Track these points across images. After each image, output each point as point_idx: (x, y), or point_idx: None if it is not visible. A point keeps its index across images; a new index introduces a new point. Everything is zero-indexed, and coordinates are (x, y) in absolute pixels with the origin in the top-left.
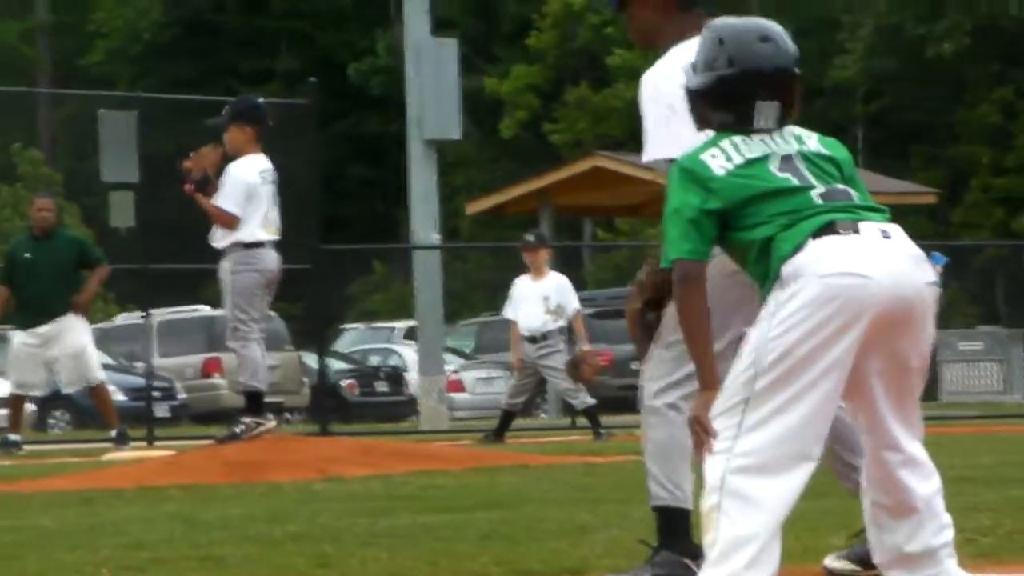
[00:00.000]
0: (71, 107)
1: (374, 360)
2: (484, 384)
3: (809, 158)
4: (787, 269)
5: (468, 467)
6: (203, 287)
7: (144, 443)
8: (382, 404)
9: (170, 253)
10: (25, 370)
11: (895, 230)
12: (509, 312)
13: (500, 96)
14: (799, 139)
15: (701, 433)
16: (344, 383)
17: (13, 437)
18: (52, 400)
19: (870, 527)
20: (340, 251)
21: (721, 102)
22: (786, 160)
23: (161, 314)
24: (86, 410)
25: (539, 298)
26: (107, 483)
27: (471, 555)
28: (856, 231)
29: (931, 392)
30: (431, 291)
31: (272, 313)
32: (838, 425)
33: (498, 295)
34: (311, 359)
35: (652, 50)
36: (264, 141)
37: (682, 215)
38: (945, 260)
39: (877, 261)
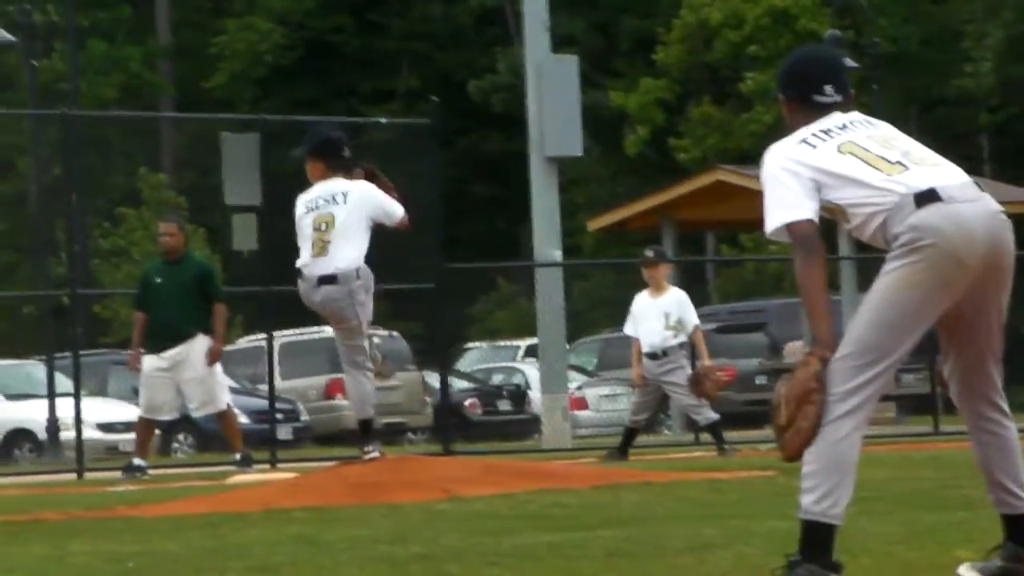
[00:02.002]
0: (194, 130)
1: (497, 379)
2: (608, 401)
3: None
4: None
5: (591, 485)
6: None
7: (268, 465)
8: (505, 423)
9: (293, 274)
10: (155, 394)
11: None
12: (629, 329)
13: (626, 110)
14: None
15: None
16: (466, 402)
17: (138, 462)
18: (176, 424)
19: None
20: (462, 270)
21: None
22: None
23: (283, 336)
24: (210, 433)
25: (659, 314)
26: (232, 506)
27: (595, 573)
28: None
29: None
30: (553, 308)
31: (394, 333)
32: (997, 452)
33: (621, 312)
34: (434, 379)
35: None
36: (345, 169)
37: None
38: None
39: None
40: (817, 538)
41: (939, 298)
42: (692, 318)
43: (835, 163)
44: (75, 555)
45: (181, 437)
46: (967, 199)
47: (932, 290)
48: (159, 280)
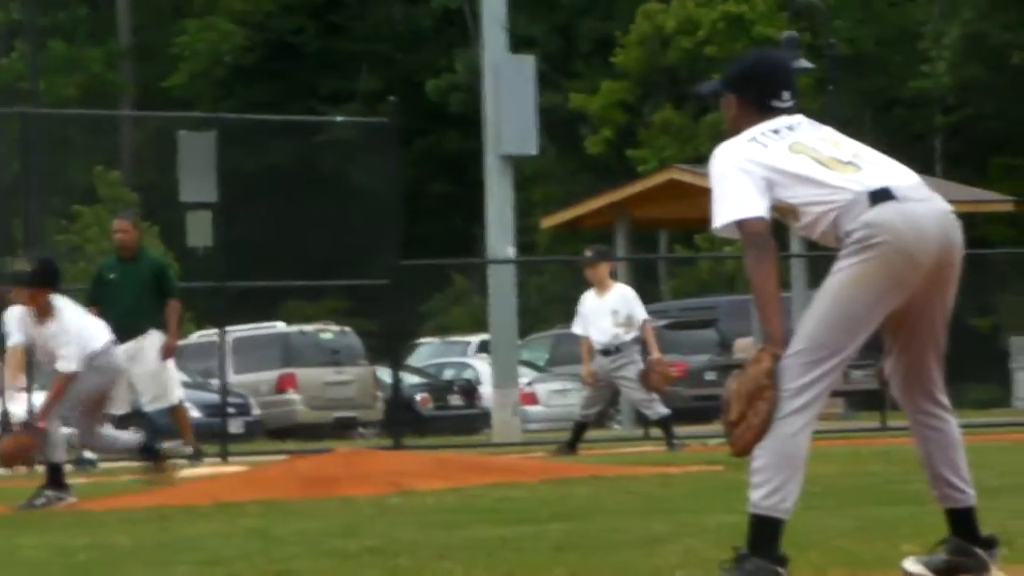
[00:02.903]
0: (153, 129)
1: (448, 374)
2: (558, 396)
3: None
4: None
5: (541, 479)
6: (280, 304)
7: (219, 459)
8: (456, 417)
9: (247, 271)
10: None
11: None
12: (579, 328)
13: (587, 112)
14: None
15: None
16: (418, 397)
17: (89, 455)
18: (127, 418)
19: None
20: (416, 267)
21: None
22: None
23: (236, 331)
24: (161, 428)
25: (607, 312)
26: (183, 500)
27: (545, 566)
28: None
29: (1005, 399)
30: (505, 305)
31: (346, 328)
32: (938, 447)
33: (573, 308)
34: (385, 374)
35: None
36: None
37: None
38: None
39: None
40: (765, 532)
41: (890, 295)
42: (640, 313)
43: (788, 162)
44: (25, 548)
45: (132, 431)
46: (920, 198)
47: (884, 287)
48: (113, 276)
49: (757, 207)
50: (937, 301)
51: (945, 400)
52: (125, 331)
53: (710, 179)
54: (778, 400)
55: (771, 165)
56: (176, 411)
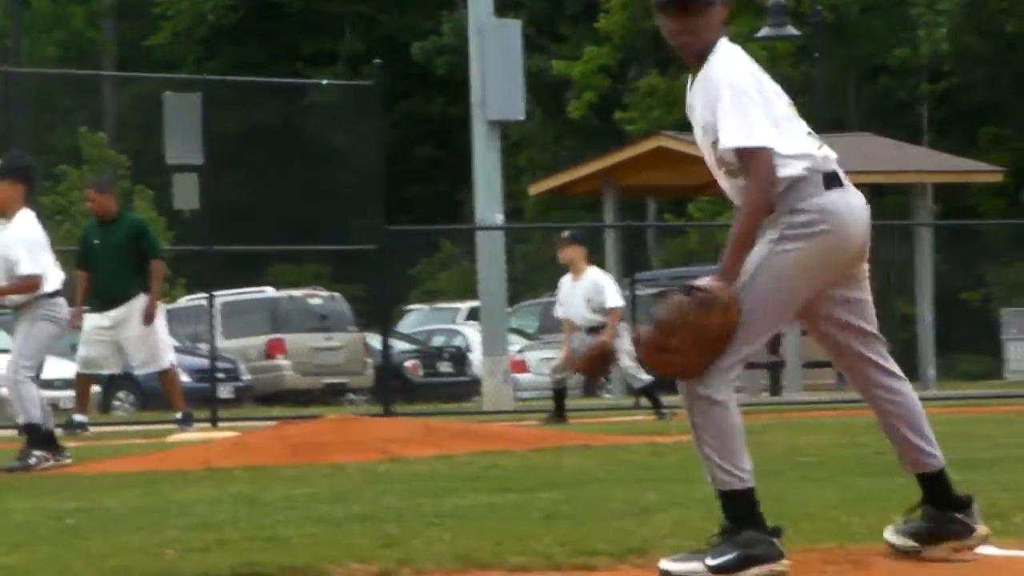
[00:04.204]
0: (136, 90)
1: (438, 341)
2: (548, 364)
3: None
4: None
5: (532, 447)
6: (268, 268)
7: (208, 424)
8: (446, 385)
9: (235, 234)
10: (92, 350)
11: None
12: (559, 312)
13: (570, 78)
14: None
15: None
16: (408, 364)
17: (79, 418)
18: (116, 381)
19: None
20: (404, 232)
21: None
22: None
23: (224, 295)
24: (150, 392)
25: (581, 299)
26: (172, 464)
27: (535, 535)
28: None
29: (996, 371)
30: (495, 272)
31: (335, 295)
32: (900, 416)
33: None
34: (375, 340)
35: (691, 60)
36: (31, 201)
37: None
38: None
39: None
40: (740, 503)
41: (819, 282)
42: (610, 300)
43: (780, 110)
44: (15, 511)
45: (122, 395)
46: (851, 185)
47: (818, 275)
48: (96, 241)
49: (773, 138)
50: (851, 289)
51: (895, 368)
52: (113, 296)
53: (728, 86)
54: (722, 355)
55: (775, 112)
56: (167, 375)
